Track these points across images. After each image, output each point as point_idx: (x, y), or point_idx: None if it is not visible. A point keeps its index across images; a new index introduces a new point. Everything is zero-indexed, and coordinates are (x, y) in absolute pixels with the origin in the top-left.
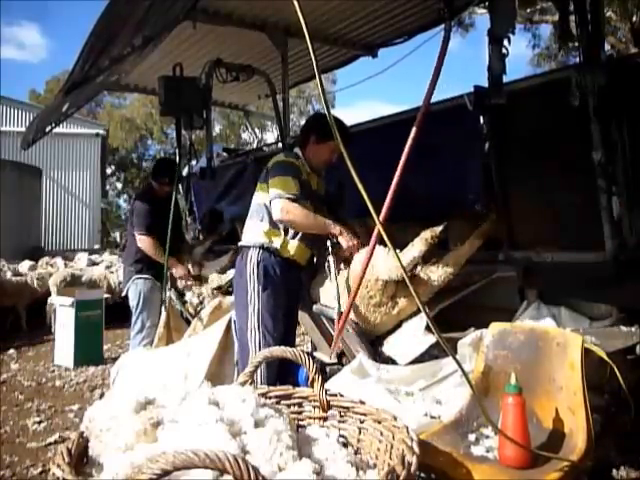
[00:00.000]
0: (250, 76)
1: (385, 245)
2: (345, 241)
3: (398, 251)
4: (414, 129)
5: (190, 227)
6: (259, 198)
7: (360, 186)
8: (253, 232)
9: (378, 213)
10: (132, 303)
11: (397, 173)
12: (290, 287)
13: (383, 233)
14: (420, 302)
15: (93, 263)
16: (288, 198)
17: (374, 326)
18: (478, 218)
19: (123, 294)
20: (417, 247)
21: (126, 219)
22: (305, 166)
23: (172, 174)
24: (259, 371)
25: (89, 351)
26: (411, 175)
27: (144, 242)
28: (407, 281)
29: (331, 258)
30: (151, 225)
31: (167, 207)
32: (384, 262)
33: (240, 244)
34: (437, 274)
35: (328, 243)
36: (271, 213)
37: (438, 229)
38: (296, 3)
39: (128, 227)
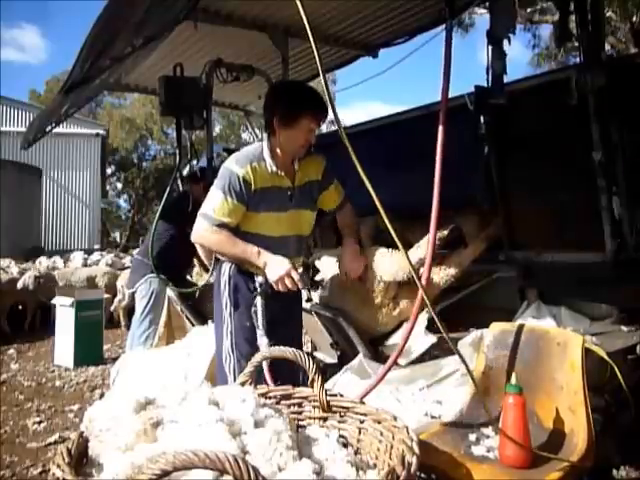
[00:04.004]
0: (250, 76)
1: (389, 246)
2: (271, 274)
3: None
4: (440, 129)
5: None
6: None
7: (369, 185)
8: None
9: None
10: (141, 301)
11: (437, 176)
12: (270, 303)
13: (394, 235)
14: (428, 302)
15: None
16: (209, 223)
17: (375, 327)
18: (484, 216)
19: (131, 290)
20: (423, 249)
21: (126, 218)
22: (268, 168)
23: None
24: None
25: (89, 351)
26: (413, 174)
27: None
28: (417, 281)
29: (259, 301)
30: None
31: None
32: (389, 263)
33: (215, 256)
34: (439, 276)
35: (256, 283)
36: (239, 230)
37: (445, 232)
38: (299, 3)
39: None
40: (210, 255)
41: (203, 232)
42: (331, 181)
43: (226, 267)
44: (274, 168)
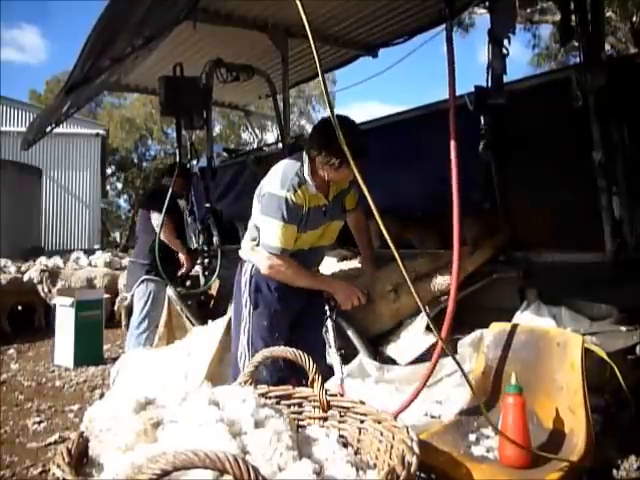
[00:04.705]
0: (250, 76)
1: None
2: (341, 297)
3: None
4: (451, 127)
5: (190, 227)
6: (253, 215)
7: (368, 196)
8: (246, 247)
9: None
10: (139, 302)
11: (454, 177)
12: (291, 304)
13: (390, 241)
14: (420, 302)
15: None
16: (274, 254)
17: (374, 319)
18: (483, 217)
19: (130, 294)
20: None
21: (126, 218)
22: (308, 190)
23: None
24: None
25: (89, 351)
26: (412, 174)
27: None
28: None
29: (330, 324)
30: None
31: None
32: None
33: (239, 253)
34: (443, 278)
35: (326, 307)
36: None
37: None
38: (299, 3)
39: (140, 225)
40: (175, 240)
41: (278, 267)
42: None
43: (248, 266)
44: (314, 190)
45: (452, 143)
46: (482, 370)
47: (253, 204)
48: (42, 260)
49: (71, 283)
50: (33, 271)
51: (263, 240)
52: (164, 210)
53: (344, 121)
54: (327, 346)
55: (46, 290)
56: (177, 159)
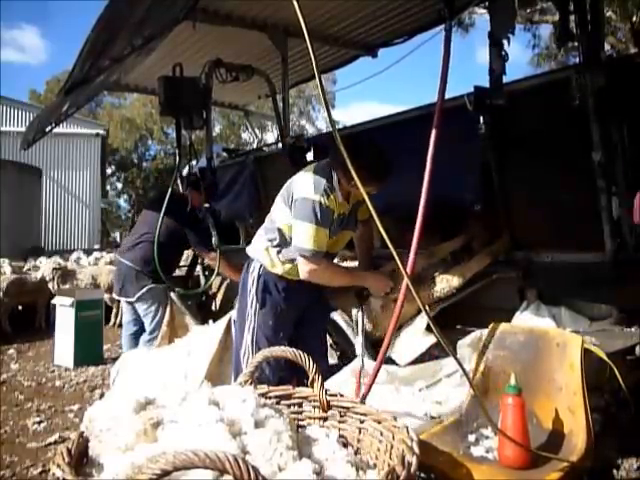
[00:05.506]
0: (250, 76)
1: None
2: (374, 287)
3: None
4: (433, 131)
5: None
6: (277, 217)
7: (364, 192)
8: (259, 247)
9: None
10: (149, 309)
11: (426, 177)
12: (297, 303)
13: (389, 243)
14: (421, 301)
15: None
16: (310, 257)
17: (375, 327)
18: (482, 220)
19: (131, 299)
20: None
21: (126, 218)
22: (338, 197)
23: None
24: None
25: (89, 351)
26: (410, 175)
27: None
28: (402, 270)
29: (360, 314)
30: None
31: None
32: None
33: (247, 251)
34: (441, 286)
35: (369, 296)
36: (283, 241)
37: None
38: (295, 3)
39: (140, 228)
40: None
41: (314, 271)
42: None
43: (255, 265)
44: (341, 198)
45: (432, 140)
46: (481, 370)
47: (276, 203)
48: (42, 260)
49: (80, 282)
50: (46, 269)
51: (297, 243)
52: (162, 211)
53: (365, 142)
54: (354, 335)
55: (56, 288)
56: (195, 172)
